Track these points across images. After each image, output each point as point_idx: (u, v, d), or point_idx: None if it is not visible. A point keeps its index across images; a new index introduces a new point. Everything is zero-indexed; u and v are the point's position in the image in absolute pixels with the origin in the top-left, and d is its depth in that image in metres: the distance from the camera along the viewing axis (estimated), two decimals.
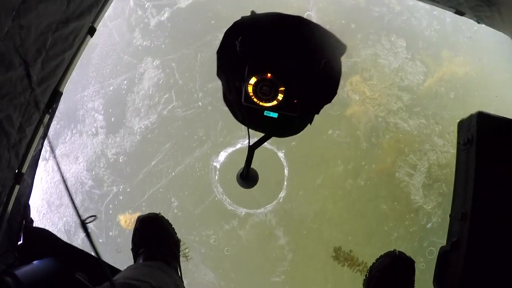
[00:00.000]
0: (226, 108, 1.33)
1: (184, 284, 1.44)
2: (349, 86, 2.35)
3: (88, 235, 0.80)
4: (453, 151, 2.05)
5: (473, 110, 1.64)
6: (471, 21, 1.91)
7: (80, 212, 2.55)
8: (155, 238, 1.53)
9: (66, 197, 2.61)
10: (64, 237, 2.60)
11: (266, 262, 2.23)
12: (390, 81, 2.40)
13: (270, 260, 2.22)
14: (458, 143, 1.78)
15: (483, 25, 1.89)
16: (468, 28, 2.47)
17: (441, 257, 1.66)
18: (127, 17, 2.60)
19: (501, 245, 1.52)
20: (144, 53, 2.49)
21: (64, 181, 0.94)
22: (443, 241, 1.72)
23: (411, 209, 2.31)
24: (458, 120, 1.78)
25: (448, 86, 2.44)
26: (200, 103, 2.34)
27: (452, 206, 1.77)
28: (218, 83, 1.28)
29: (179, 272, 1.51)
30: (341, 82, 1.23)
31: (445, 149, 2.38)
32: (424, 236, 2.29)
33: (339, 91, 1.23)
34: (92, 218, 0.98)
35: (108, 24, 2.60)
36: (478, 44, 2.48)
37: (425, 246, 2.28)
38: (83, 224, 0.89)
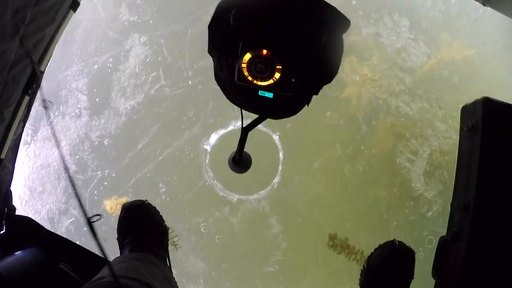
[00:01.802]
0: (218, 88, 1.22)
1: (173, 274, 1.33)
2: (348, 66, 2.22)
3: (95, 235, 0.70)
4: (456, 137, 1.95)
5: (477, 96, 1.53)
6: (477, 3, 1.80)
7: (64, 199, 2.39)
8: (142, 227, 1.41)
9: (48, 184, 2.47)
10: (47, 226, 2.47)
11: (259, 251, 2.13)
12: (392, 62, 2.27)
13: (264, 249, 2.12)
14: (461, 129, 1.68)
15: (489, 7, 1.78)
16: (474, 10, 2.35)
17: (441, 247, 1.56)
18: None
19: (505, 238, 1.41)
20: (130, 29, 2.34)
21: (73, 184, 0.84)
22: (443, 231, 1.62)
23: (412, 196, 2.21)
24: (462, 105, 1.68)
25: (452, 70, 2.33)
26: (190, 82, 2.20)
27: (454, 195, 1.66)
28: (209, 61, 1.17)
29: (168, 262, 1.40)
30: None
31: (447, 135, 2.27)
32: (424, 225, 2.20)
33: (339, 70, 1.13)
34: (97, 218, 0.87)
35: None
36: (483, 28, 2.37)
37: (424, 235, 2.19)
38: (90, 224, 0.78)
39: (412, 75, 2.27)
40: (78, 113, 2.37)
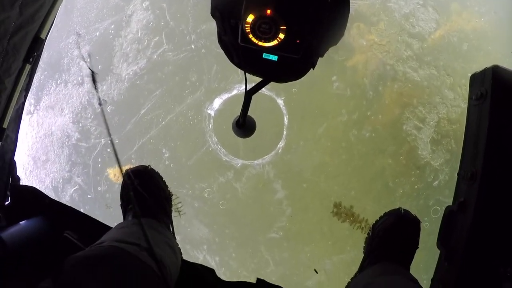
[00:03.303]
0: (221, 51, 1.18)
1: (176, 240, 1.33)
2: (355, 31, 2.17)
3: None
4: (464, 106, 1.91)
5: (486, 64, 1.49)
6: None
7: (68, 167, 2.37)
8: (144, 193, 1.39)
9: (52, 152, 2.46)
10: (51, 195, 2.48)
11: (263, 217, 2.11)
12: (399, 27, 2.21)
13: (268, 215, 2.10)
14: (469, 97, 1.64)
15: None
16: None
17: (447, 217, 1.54)
18: None
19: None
20: None
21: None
22: (449, 201, 1.60)
23: (418, 165, 2.17)
24: (470, 74, 1.63)
25: (461, 37, 2.27)
26: (193, 46, 2.16)
27: (461, 163, 1.63)
28: (213, 25, 1.13)
29: (171, 228, 1.39)
30: (348, 25, 1.08)
31: (455, 103, 2.23)
32: (430, 194, 2.17)
33: (345, 35, 1.09)
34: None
35: None
36: None
37: (430, 205, 2.17)
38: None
39: (420, 41, 2.21)
40: (81, 81, 2.35)
